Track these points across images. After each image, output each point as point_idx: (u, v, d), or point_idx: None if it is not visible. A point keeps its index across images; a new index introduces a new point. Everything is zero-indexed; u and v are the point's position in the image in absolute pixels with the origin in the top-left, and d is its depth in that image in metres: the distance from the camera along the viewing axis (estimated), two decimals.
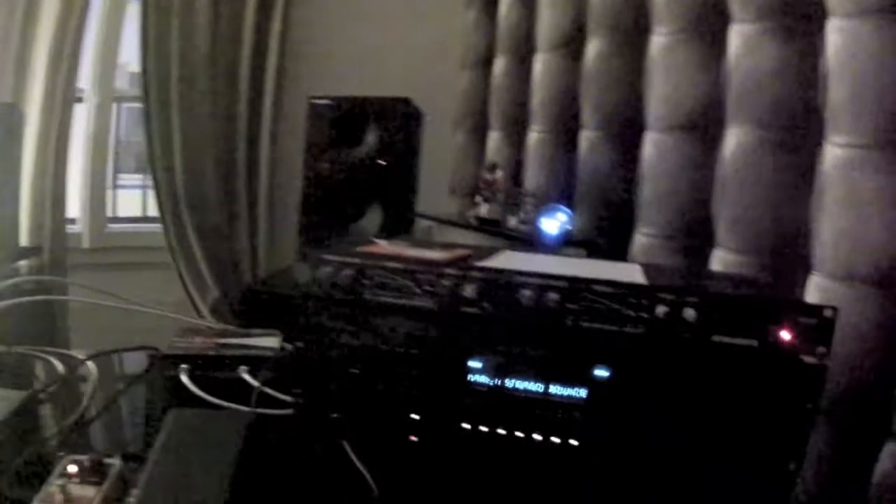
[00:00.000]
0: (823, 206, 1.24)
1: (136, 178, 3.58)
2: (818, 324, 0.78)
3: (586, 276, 0.83)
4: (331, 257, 0.92)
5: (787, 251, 1.31)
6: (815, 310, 0.78)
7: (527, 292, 0.83)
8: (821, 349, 0.77)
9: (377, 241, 1.07)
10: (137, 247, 2.80)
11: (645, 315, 0.80)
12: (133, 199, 3.55)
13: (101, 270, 2.60)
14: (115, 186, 3.15)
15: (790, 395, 0.78)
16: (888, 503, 1.06)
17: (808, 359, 0.78)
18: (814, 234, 1.26)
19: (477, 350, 0.87)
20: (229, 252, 2.75)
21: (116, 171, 3.13)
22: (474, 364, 0.87)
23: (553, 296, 0.82)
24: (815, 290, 1.24)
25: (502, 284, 0.85)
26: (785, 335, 0.78)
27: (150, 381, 1.11)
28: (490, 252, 1.06)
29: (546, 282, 0.83)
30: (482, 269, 0.87)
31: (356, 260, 0.91)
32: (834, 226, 1.22)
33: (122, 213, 3.24)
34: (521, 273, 0.84)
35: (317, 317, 0.92)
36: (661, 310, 0.79)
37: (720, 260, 1.46)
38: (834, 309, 0.77)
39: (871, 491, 1.08)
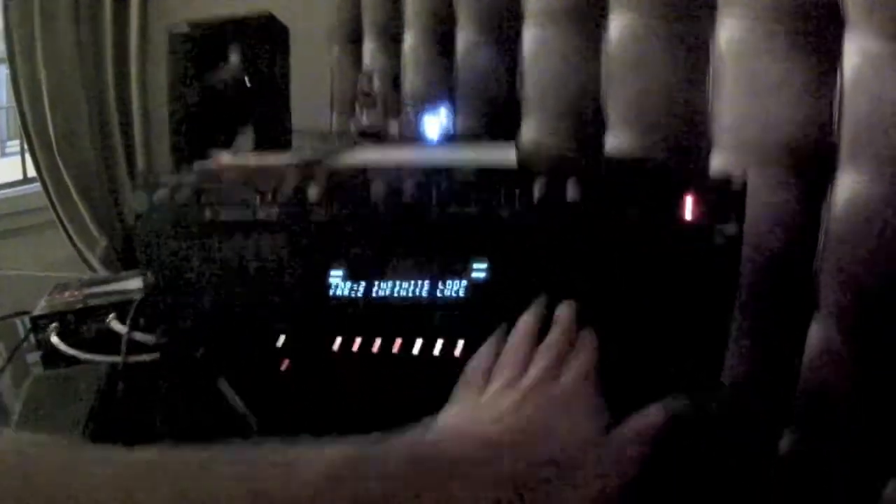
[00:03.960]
0: (721, 88, 1.15)
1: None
2: (726, 196, 0.67)
3: (446, 160, 0.72)
4: (166, 178, 0.81)
5: (686, 137, 1.21)
6: (721, 180, 0.67)
7: (377, 186, 0.71)
8: (731, 226, 0.66)
9: (218, 154, 0.94)
10: (22, 211, 2.70)
11: (521, 196, 0.69)
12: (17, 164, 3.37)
13: None
14: (3, 154, 2.97)
15: (700, 283, 0.68)
16: (818, 382, 0.99)
17: (718, 238, 0.67)
18: (713, 118, 1.17)
19: (334, 259, 0.76)
20: (111, 199, 2.63)
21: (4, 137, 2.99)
22: (335, 275, 0.76)
23: (408, 186, 0.70)
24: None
25: (348, 181, 0.73)
26: (688, 211, 0.67)
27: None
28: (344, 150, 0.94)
29: (398, 171, 0.71)
30: (324, 167, 0.75)
31: (192, 177, 0.81)
32: (734, 109, 1.12)
33: (10, 179, 3.05)
34: (369, 166, 0.73)
35: (159, 246, 0.81)
36: (538, 189, 0.68)
37: (613, 150, 1.37)
38: (743, 179, 0.67)
39: (802, 370, 1.01)
